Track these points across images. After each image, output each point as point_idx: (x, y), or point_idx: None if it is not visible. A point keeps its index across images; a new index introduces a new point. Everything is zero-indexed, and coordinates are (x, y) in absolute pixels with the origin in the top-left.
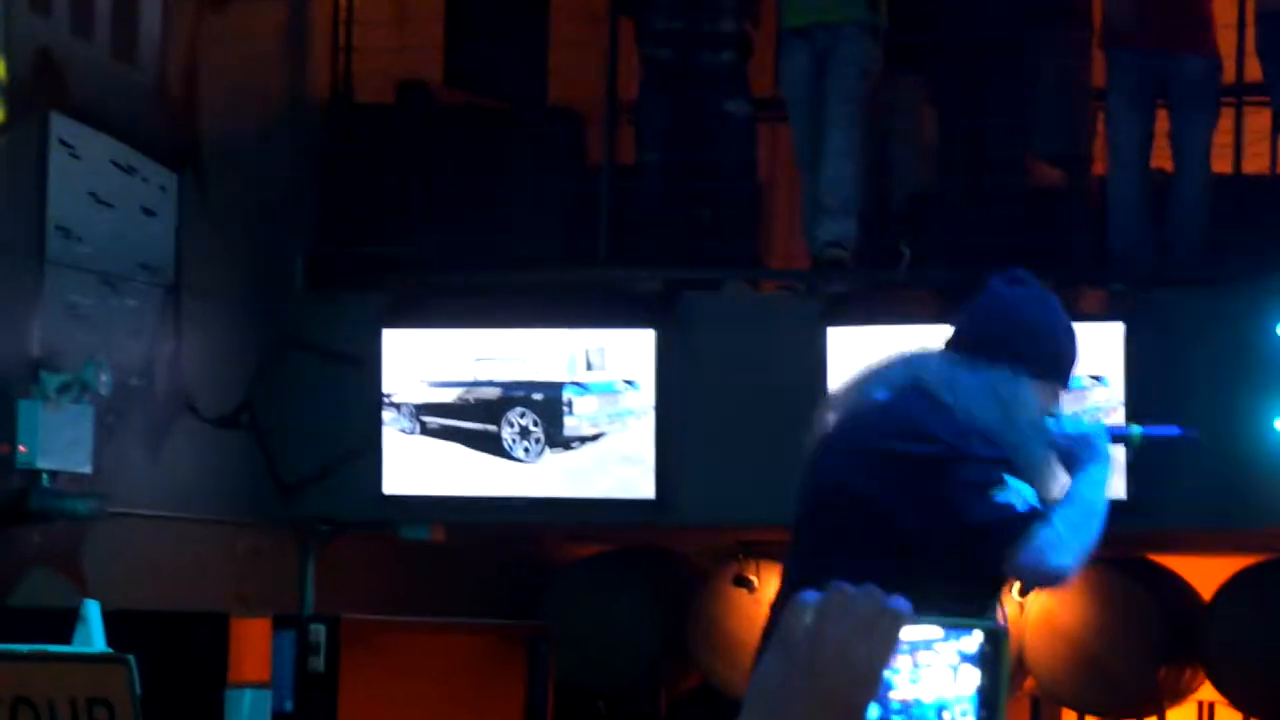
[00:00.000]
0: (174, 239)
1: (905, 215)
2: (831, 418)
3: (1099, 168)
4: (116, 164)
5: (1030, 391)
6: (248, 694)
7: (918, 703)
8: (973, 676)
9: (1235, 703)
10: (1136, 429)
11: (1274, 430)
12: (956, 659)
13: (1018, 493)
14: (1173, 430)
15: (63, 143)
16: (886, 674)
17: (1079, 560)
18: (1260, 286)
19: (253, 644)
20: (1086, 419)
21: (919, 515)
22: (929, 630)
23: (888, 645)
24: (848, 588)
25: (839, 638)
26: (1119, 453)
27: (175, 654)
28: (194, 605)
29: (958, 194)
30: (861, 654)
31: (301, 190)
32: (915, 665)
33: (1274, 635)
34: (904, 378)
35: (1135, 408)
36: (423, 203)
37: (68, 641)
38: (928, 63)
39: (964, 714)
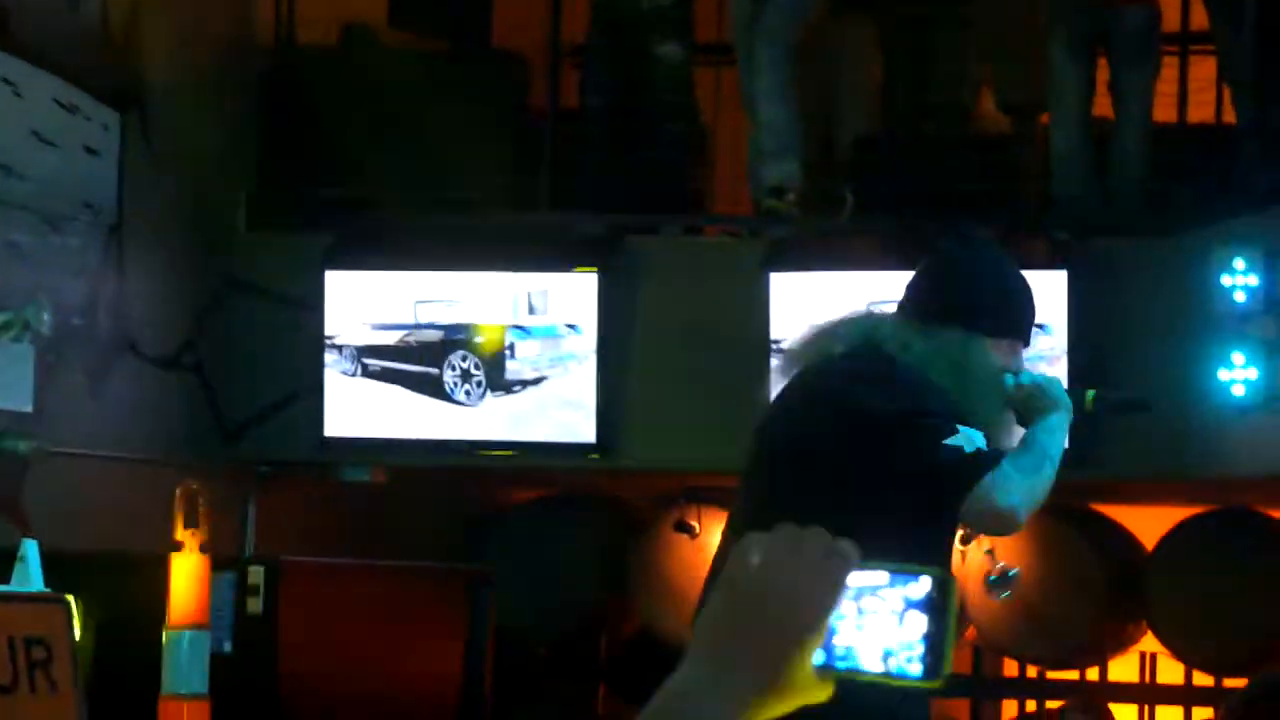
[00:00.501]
0: (116, 179)
1: (850, 161)
2: (787, 374)
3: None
4: (59, 102)
5: (986, 352)
6: (186, 635)
7: (865, 649)
8: (919, 623)
9: (1177, 654)
10: (1090, 392)
11: (1217, 380)
12: (903, 605)
13: (969, 439)
14: (1128, 399)
15: (5, 81)
16: (832, 618)
17: (1029, 502)
18: (1204, 235)
19: (192, 585)
20: (1043, 377)
21: (874, 470)
22: (876, 576)
23: (834, 588)
24: (795, 529)
25: (786, 579)
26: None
27: (114, 595)
28: (133, 546)
29: (903, 140)
30: (808, 596)
31: (244, 131)
32: (861, 611)
33: (1216, 586)
34: (861, 337)
35: (1077, 356)
36: (366, 144)
37: (6, 581)
38: (875, 5)
39: (909, 660)
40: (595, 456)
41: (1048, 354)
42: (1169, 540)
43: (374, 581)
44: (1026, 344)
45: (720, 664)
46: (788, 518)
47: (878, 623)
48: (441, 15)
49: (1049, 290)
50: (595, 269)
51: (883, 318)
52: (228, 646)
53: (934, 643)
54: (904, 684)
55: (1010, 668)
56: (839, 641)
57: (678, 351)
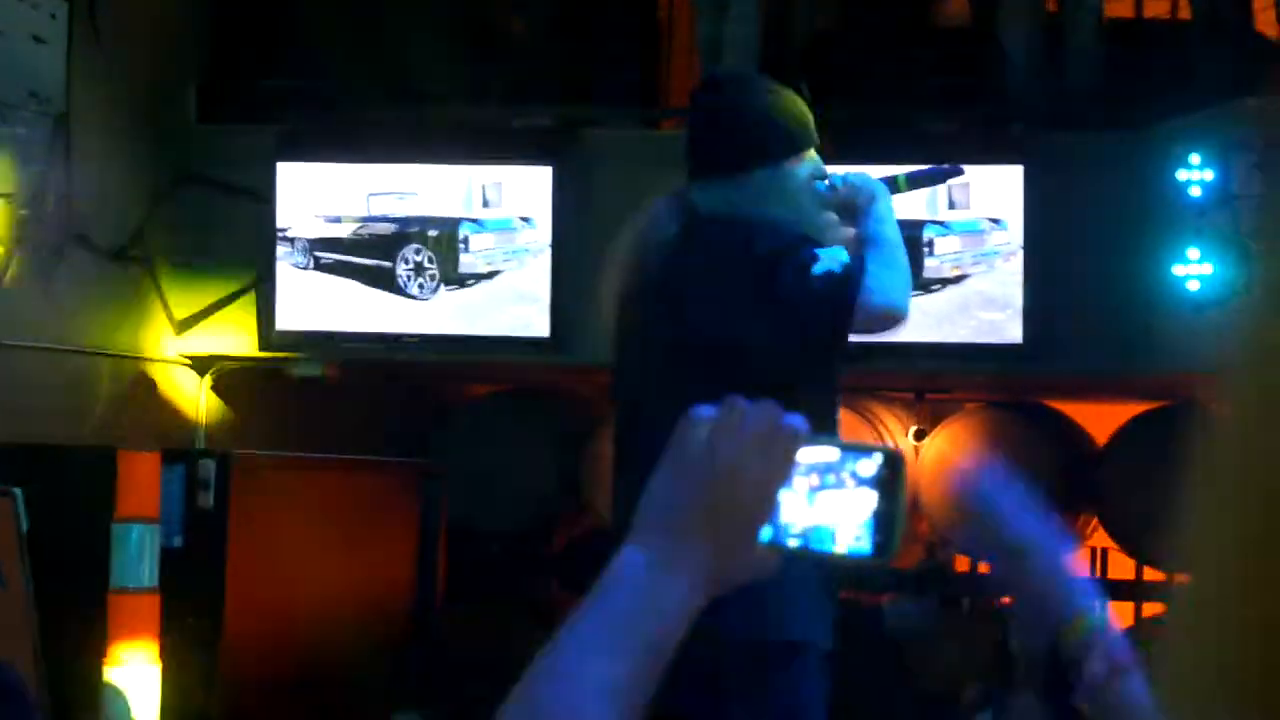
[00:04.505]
0: (64, 68)
1: (807, 53)
2: (630, 260)
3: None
4: None
5: (793, 174)
6: (135, 529)
7: (814, 526)
8: (869, 500)
9: (1128, 549)
10: (901, 175)
11: (1172, 275)
12: (853, 482)
13: (831, 257)
14: (936, 170)
15: None
16: (781, 494)
17: (906, 290)
18: (1160, 130)
19: (141, 479)
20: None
21: (758, 325)
22: (825, 451)
23: (783, 463)
24: (743, 404)
25: (733, 454)
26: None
27: (62, 488)
28: (84, 439)
29: (861, 32)
30: (756, 471)
31: (196, 20)
32: (810, 488)
33: (1167, 482)
34: (683, 209)
35: (1032, 250)
36: (317, 35)
37: None
38: None
39: (858, 539)
40: (548, 351)
41: (1003, 248)
42: (1121, 436)
43: (325, 476)
44: (816, 144)
45: (669, 541)
46: (684, 394)
47: (827, 499)
48: None
49: (1005, 185)
50: (550, 164)
51: (693, 186)
52: (178, 541)
53: (884, 520)
54: (853, 561)
55: (964, 564)
56: (787, 518)
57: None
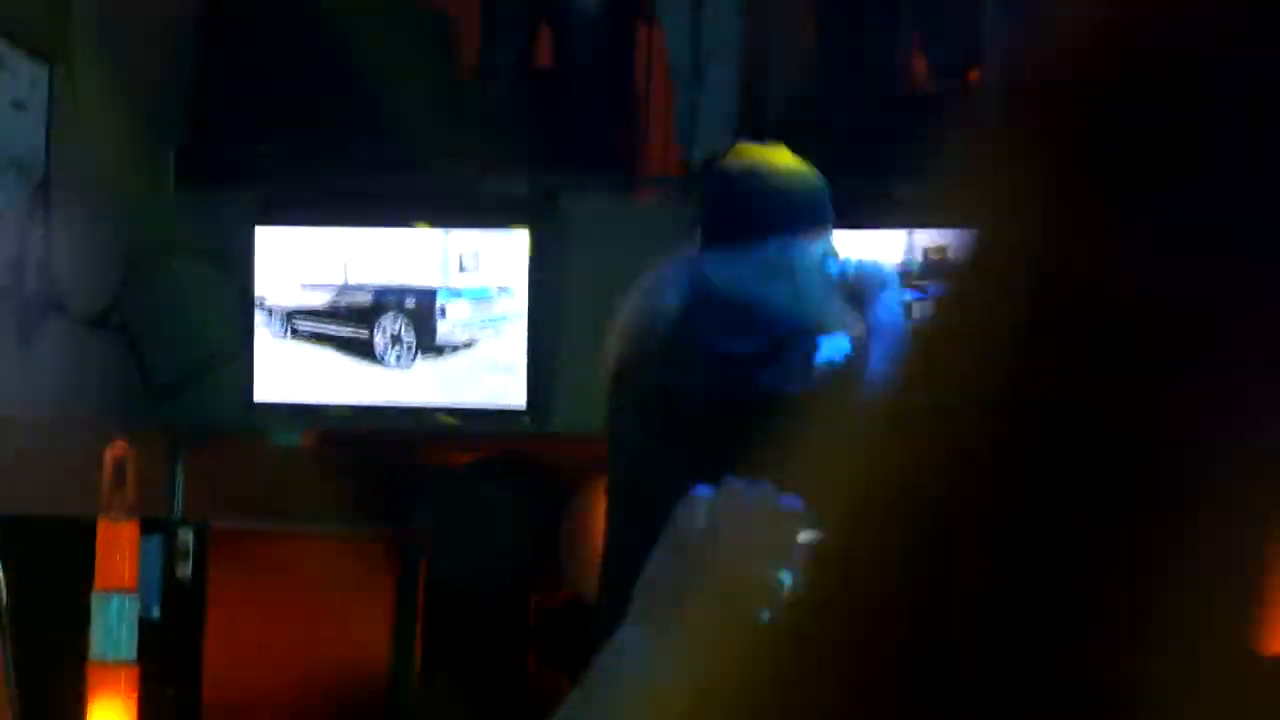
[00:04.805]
0: (44, 134)
1: (782, 119)
2: (627, 330)
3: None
4: None
5: (803, 251)
6: (114, 599)
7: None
8: None
9: None
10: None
11: None
12: None
13: (834, 347)
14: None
15: None
16: (780, 573)
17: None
18: None
19: (120, 549)
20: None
21: (755, 405)
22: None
23: (785, 545)
24: (741, 485)
25: (734, 538)
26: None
27: (41, 558)
28: (61, 509)
29: (835, 98)
30: (757, 555)
31: (174, 87)
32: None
33: None
34: (687, 281)
35: None
36: (295, 102)
37: None
38: None
39: None
40: (526, 421)
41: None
42: None
43: (303, 545)
44: (830, 223)
45: (668, 622)
46: (669, 468)
47: None
48: None
49: None
50: (527, 228)
51: (697, 258)
52: (156, 611)
53: None
54: None
55: None
56: (791, 598)
57: (608, 315)
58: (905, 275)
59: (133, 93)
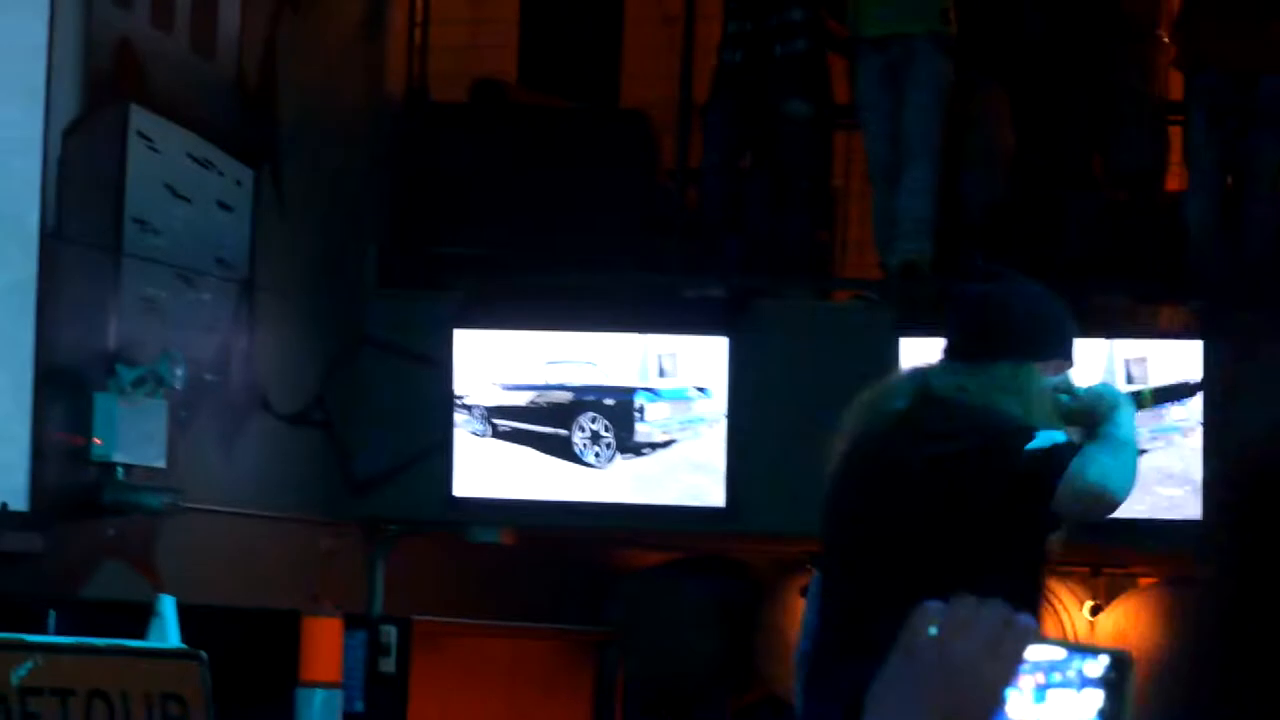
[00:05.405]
0: (249, 234)
1: (980, 226)
2: (851, 434)
3: (1172, 184)
4: (193, 157)
5: (1036, 377)
6: (319, 693)
7: None
8: (1095, 700)
9: None
10: (1147, 389)
11: None
12: (1079, 682)
13: (1049, 436)
14: (1182, 385)
15: (141, 135)
16: (1008, 692)
17: (1121, 480)
18: None
19: (324, 643)
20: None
21: (959, 513)
22: (1053, 651)
23: (1013, 662)
24: (973, 601)
25: (965, 651)
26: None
27: (247, 651)
28: (264, 602)
29: (1034, 205)
30: (987, 669)
31: (375, 187)
32: (1038, 686)
33: None
34: (915, 390)
35: (1213, 426)
36: (495, 202)
37: (141, 635)
38: (1004, 73)
39: None
40: (723, 521)
41: (1182, 424)
42: None
43: (502, 642)
44: (1070, 360)
45: None
46: (891, 593)
47: (1055, 699)
48: (571, 73)
49: (1183, 359)
50: (725, 334)
51: (932, 366)
52: (359, 705)
53: None
54: None
55: None
56: (1014, 716)
57: (807, 416)
58: (1139, 399)
59: (334, 193)
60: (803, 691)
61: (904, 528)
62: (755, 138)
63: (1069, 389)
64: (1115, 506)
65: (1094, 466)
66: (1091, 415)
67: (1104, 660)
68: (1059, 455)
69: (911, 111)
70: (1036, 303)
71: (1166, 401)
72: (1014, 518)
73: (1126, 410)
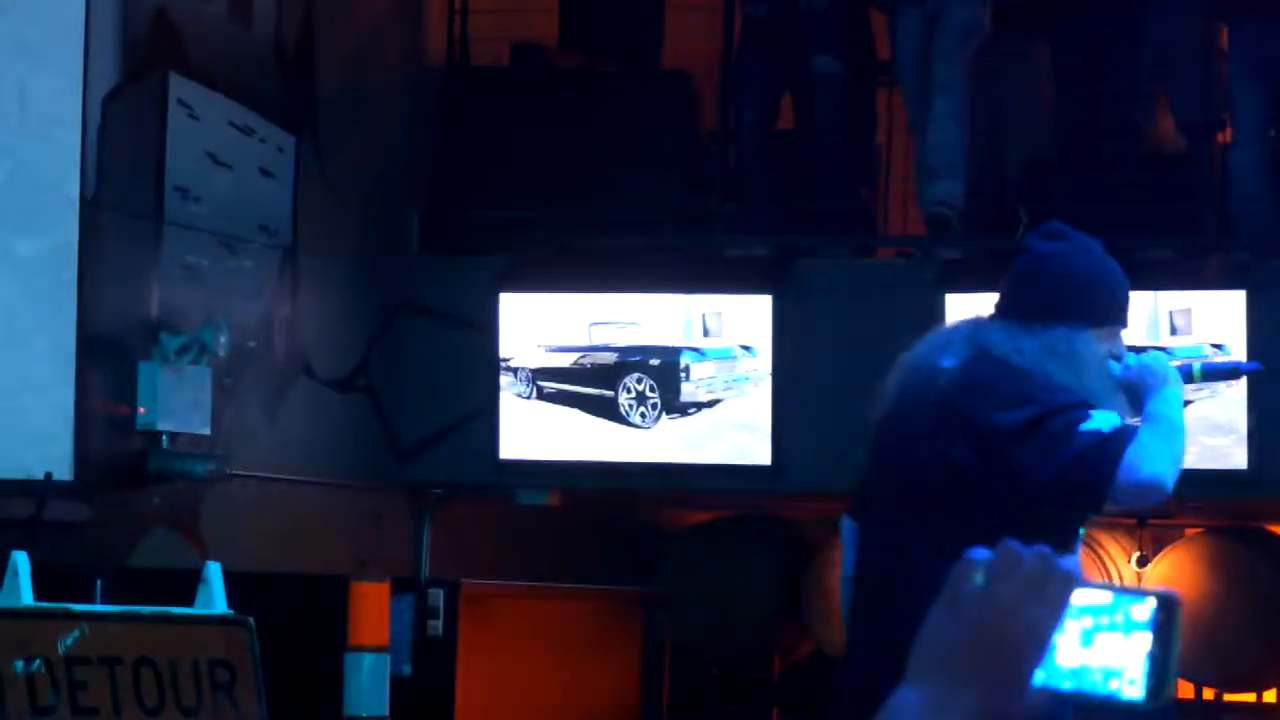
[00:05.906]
0: (291, 200)
1: (1023, 182)
2: (898, 385)
3: (1224, 135)
4: (234, 125)
5: (1091, 343)
6: (367, 658)
7: (1085, 668)
8: (1143, 643)
9: None
10: (1197, 365)
11: None
12: (1127, 625)
13: (1104, 418)
14: (1233, 364)
15: (181, 103)
16: (1054, 637)
17: (1173, 470)
18: None
19: (371, 607)
20: (1148, 355)
21: (1011, 478)
22: (1099, 595)
23: (1058, 607)
24: (1017, 547)
25: (1010, 597)
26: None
27: (294, 617)
28: (311, 568)
29: (1076, 160)
30: (1032, 615)
31: (417, 152)
32: (1084, 631)
33: None
34: (969, 345)
35: (1257, 375)
36: (537, 165)
37: (188, 602)
38: (1044, 27)
39: (1131, 682)
40: (769, 478)
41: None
42: None
43: (550, 604)
44: (1125, 326)
45: (945, 683)
46: (925, 532)
47: (1102, 643)
48: (612, 36)
49: (1227, 310)
50: (769, 293)
51: (988, 323)
52: (407, 669)
53: (1158, 664)
54: (1126, 705)
55: (1185, 689)
56: (1061, 661)
57: (852, 373)
58: (1187, 374)
59: (376, 159)
60: (849, 627)
61: (950, 485)
62: (792, 95)
63: (1121, 357)
64: (1166, 496)
65: (1148, 462)
66: (1139, 388)
67: (1151, 603)
68: (1114, 445)
69: (939, 45)
70: (1096, 267)
71: (1213, 380)
72: (1062, 502)
73: (1176, 387)
